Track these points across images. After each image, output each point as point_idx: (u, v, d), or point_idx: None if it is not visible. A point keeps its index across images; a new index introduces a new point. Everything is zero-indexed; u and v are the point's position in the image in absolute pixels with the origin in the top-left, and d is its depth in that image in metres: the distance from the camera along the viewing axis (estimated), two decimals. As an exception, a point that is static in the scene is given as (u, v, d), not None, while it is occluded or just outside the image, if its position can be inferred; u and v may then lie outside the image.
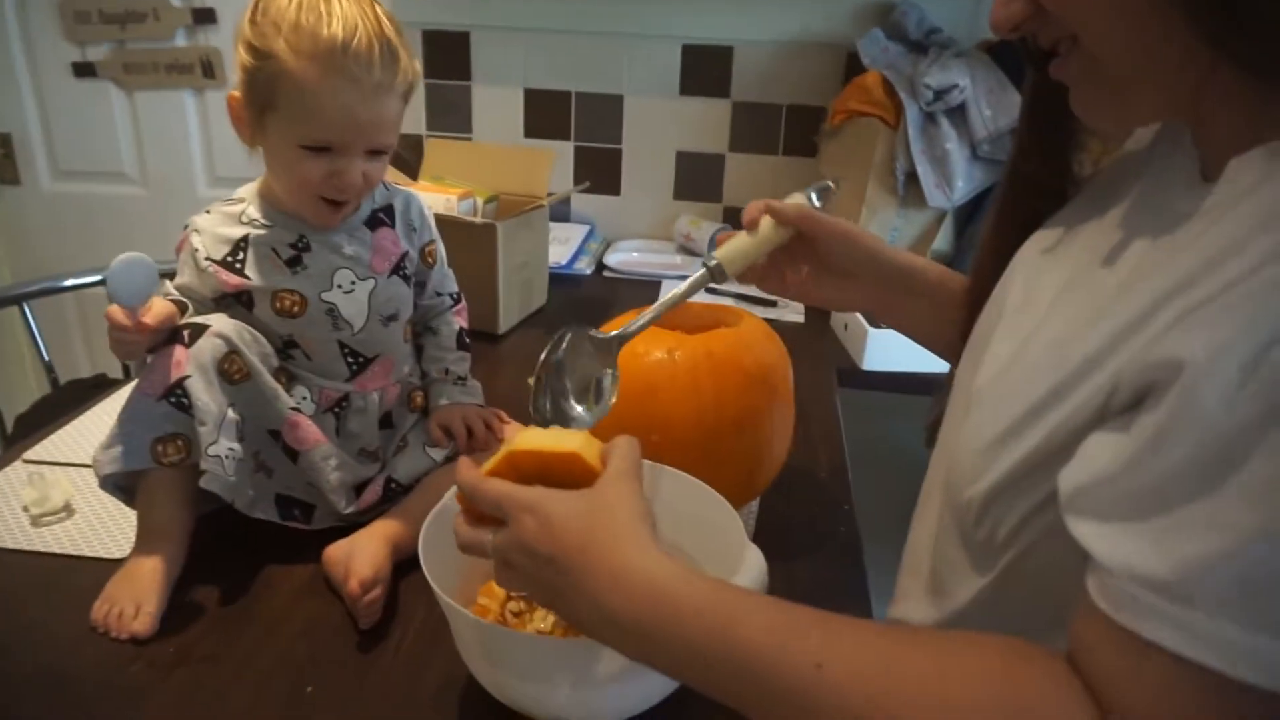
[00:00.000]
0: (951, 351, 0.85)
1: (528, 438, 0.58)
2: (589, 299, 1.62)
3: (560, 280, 1.64)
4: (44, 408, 1.54)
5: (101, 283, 1.49)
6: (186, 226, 0.88)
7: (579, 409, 0.68)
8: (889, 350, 1.37)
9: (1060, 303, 0.54)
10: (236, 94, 0.81)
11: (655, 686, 0.64)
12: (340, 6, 0.77)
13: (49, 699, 0.68)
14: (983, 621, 0.54)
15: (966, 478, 0.53)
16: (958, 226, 1.58)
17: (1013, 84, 1.49)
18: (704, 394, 0.83)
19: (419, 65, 0.83)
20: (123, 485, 0.82)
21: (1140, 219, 0.52)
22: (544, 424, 0.65)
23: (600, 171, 1.89)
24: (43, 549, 0.85)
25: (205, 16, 1.87)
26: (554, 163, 1.55)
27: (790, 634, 0.46)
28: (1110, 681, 0.41)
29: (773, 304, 1.57)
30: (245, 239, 0.85)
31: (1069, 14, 0.49)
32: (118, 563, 0.79)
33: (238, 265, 0.85)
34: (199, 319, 0.82)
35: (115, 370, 1.63)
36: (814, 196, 0.80)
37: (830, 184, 0.82)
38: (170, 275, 0.88)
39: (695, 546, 0.72)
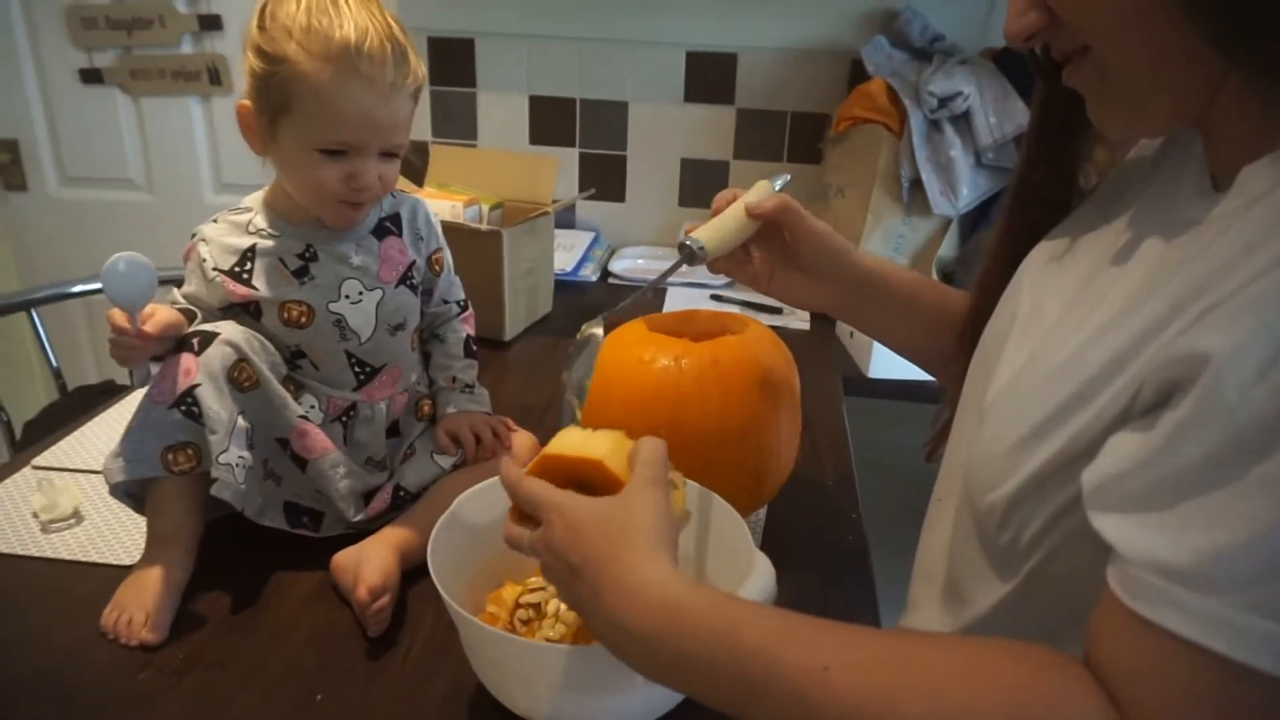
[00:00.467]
0: (919, 356, 0.86)
1: (560, 441, 0.60)
2: (594, 305, 1.60)
3: (565, 287, 1.65)
4: (52, 414, 1.54)
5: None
6: (194, 235, 0.88)
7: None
8: (895, 358, 1.36)
9: (1073, 310, 0.55)
10: (246, 102, 0.81)
11: (664, 695, 0.64)
12: (349, 9, 0.78)
13: (57, 704, 0.68)
14: (1004, 629, 0.55)
15: (988, 483, 0.53)
16: (963, 234, 1.58)
17: (1017, 92, 1.49)
18: (710, 401, 0.83)
19: (424, 67, 0.84)
20: (133, 493, 0.82)
21: (1150, 227, 0.53)
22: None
23: (605, 178, 1.90)
24: (52, 555, 0.85)
25: (211, 23, 1.88)
26: (559, 169, 1.55)
27: (797, 637, 0.47)
28: (1127, 677, 0.41)
29: (778, 311, 1.57)
30: (252, 249, 0.86)
31: (1082, 23, 0.49)
32: (127, 569, 0.79)
33: (245, 276, 0.85)
34: (208, 326, 0.82)
35: (123, 377, 1.63)
36: (777, 185, 0.81)
37: (788, 176, 0.83)
38: (176, 282, 0.89)
39: (703, 554, 0.73)
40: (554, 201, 1.52)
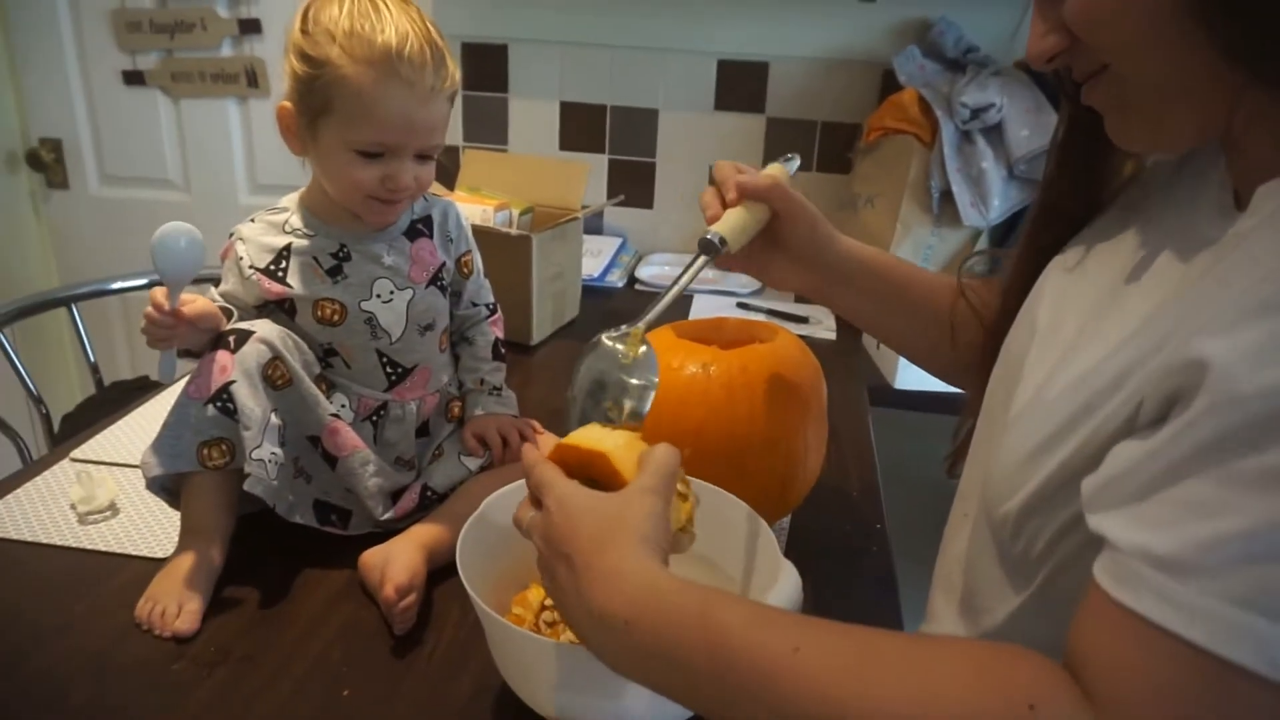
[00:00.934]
0: (907, 348, 0.87)
1: (578, 433, 0.61)
2: (620, 311, 1.62)
3: (592, 292, 1.65)
4: (90, 408, 1.57)
5: (146, 286, 1.53)
6: (232, 235, 0.90)
7: (610, 415, 0.70)
8: (921, 371, 1.36)
9: (1090, 325, 0.55)
10: (287, 104, 0.82)
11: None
12: (391, 13, 0.79)
13: (93, 692, 0.69)
14: (1020, 640, 0.54)
15: (1002, 494, 0.54)
16: (993, 245, 1.57)
17: (1050, 104, 1.48)
18: (738, 408, 0.83)
19: (459, 70, 0.85)
20: (168, 487, 0.84)
21: (1168, 243, 0.53)
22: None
23: (634, 185, 1.91)
24: (89, 546, 0.87)
25: (251, 26, 1.91)
26: (588, 175, 1.56)
27: (769, 622, 0.47)
28: (1105, 669, 0.40)
29: (804, 320, 1.57)
30: (288, 248, 0.87)
31: (1101, 43, 0.49)
32: (160, 562, 0.81)
33: (280, 274, 0.87)
34: (244, 325, 0.84)
35: (156, 373, 1.66)
36: (793, 169, 0.83)
37: (797, 158, 0.85)
38: (213, 281, 0.90)
39: (728, 562, 0.73)
40: (583, 207, 1.52)
